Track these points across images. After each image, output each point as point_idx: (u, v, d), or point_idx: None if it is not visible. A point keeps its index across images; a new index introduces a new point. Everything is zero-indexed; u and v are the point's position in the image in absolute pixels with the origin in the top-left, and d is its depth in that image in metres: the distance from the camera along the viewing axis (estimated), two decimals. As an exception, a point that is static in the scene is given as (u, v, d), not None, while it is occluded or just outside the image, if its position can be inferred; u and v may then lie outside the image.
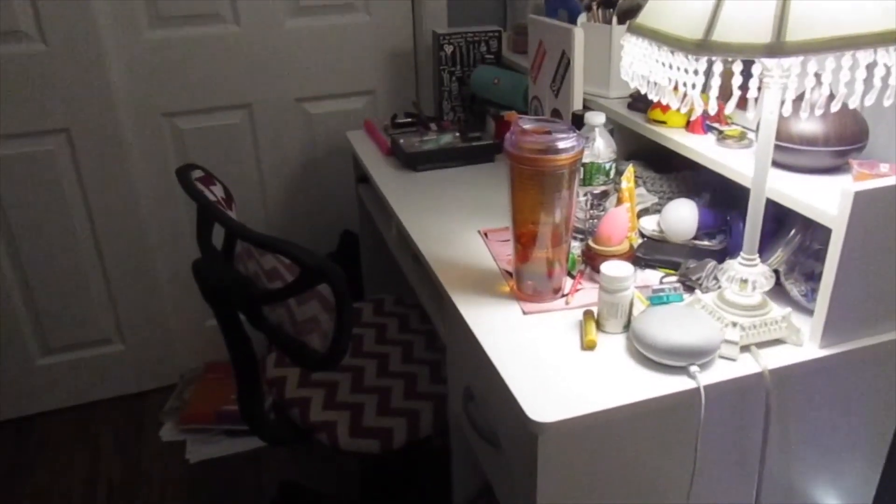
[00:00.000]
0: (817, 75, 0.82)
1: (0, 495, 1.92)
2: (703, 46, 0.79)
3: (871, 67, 0.80)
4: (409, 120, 1.91)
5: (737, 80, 0.81)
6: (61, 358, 2.18)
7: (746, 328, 1.00)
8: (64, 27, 1.84)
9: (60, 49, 1.86)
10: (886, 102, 0.82)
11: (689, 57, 0.81)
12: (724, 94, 0.84)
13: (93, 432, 2.14)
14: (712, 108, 0.84)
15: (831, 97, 0.83)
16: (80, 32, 1.86)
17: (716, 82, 0.83)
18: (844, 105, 0.83)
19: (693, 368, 0.96)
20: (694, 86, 0.83)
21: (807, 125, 1.08)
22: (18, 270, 2.04)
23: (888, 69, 0.79)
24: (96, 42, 1.88)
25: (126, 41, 1.92)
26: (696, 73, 0.82)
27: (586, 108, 1.50)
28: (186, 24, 1.96)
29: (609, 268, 1.04)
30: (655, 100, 0.91)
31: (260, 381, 1.38)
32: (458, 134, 1.78)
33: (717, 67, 0.82)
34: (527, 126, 1.07)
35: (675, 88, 0.86)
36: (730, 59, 0.79)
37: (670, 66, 0.85)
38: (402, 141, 1.74)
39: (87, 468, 2.00)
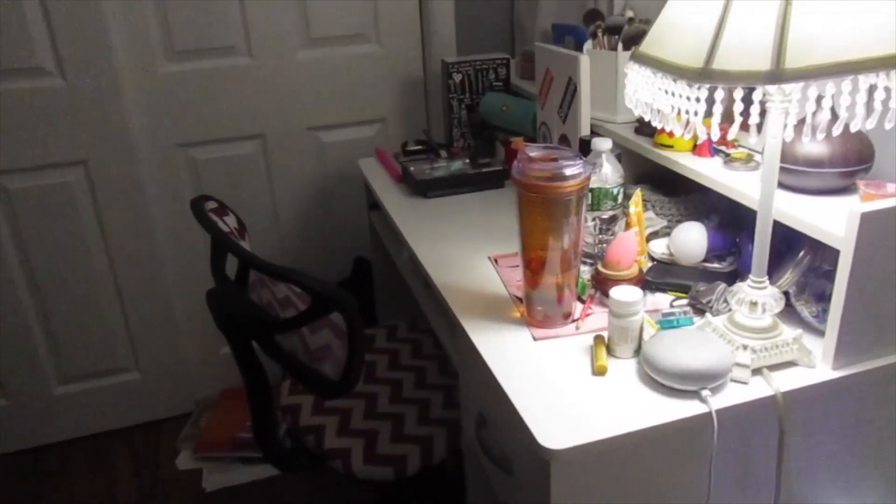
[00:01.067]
0: (819, 99, 0.82)
1: (19, 525, 1.93)
2: (704, 74, 0.80)
3: (872, 90, 0.80)
4: (420, 147, 1.93)
5: (738, 107, 0.82)
6: (78, 387, 2.20)
7: (758, 351, 1.00)
8: (82, 63, 1.89)
9: (78, 84, 1.90)
10: (888, 125, 0.83)
11: (691, 85, 0.82)
12: (727, 119, 0.85)
13: (110, 461, 2.15)
14: (715, 135, 0.85)
15: (833, 120, 0.84)
16: (98, 67, 1.90)
17: (717, 108, 0.84)
18: (846, 127, 0.84)
19: (705, 393, 0.96)
20: (696, 113, 0.84)
21: (812, 147, 1.09)
22: (37, 300, 2.07)
23: (888, 92, 0.80)
24: (113, 76, 1.92)
25: (142, 75, 1.97)
26: (697, 100, 0.83)
27: (594, 133, 1.52)
28: (201, 57, 2.01)
29: (618, 292, 1.05)
30: (659, 127, 0.92)
31: (274, 409, 1.39)
32: (467, 160, 1.80)
33: (719, 94, 0.83)
34: (533, 153, 1.08)
35: (678, 115, 0.87)
36: (731, 87, 0.81)
37: (673, 94, 0.86)
38: (412, 168, 1.76)
39: (105, 497, 2.01)
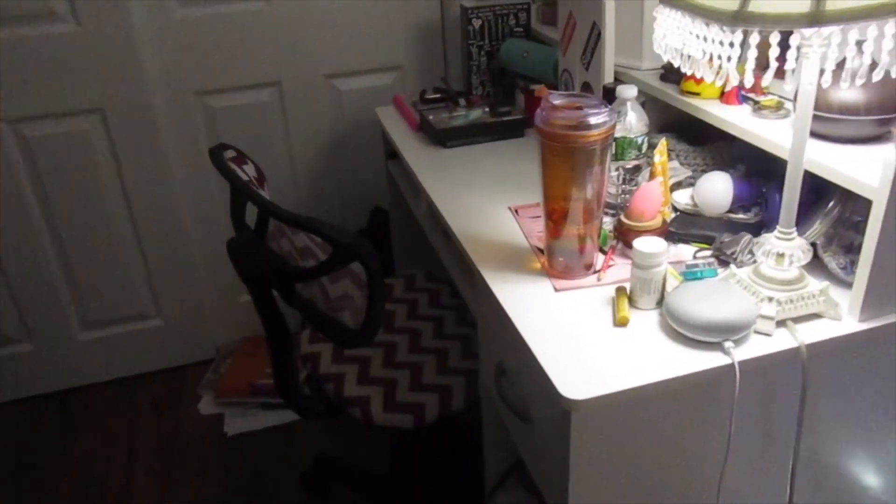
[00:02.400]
0: (858, 43, 0.79)
1: (44, 463, 1.99)
2: (739, 17, 0.77)
3: (915, 35, 0.77)
4: (438, 95, 1.90)
5: (774, 52, 0.79)
6: (102, 333, 2.24)
7: (783, 303, 0.99)
8: (96, 7, 1.86)
9: (93, 29, 1.88)
10: (931, 71, 0.80)
11: (725, 29, 0.79)
12: (761, 66, 0.82)
13: (133, 405, 2.20)
14: (748, 81, 0.82)
15: (873, 65, 0.81)
16: (112, 12, 1.87)
17: (752, 53, 0.81)
18: (887, 73, 0.81)
19: (727, 344, 0.95)
20: (729, 58, 0.81)
21: (847, 94, 1.05)
22: (58, 248, 2.09)
23: (934, 36, 0.77)
24: (128, 22, 1.89)
25: (157, 20, 1.93)
26: (731, 45, 0.80)
27: (618, 80, 1.48)
28: (216, 1, 1.97)
29: (642, 243, 1.03)
30: (689, 73, 0.89)
31: (294, 357, 1.40)
32: (487, 109, 1.77)
33: (754, 38, 0.80)
34: (557, 102, 1.06)
35: (710, 61, 0.84)
36: (767, 30, 0.77)
37: (705, 39, 0.83)
38: (431, 117, 1.74)
39: (128, 440, 2.07)
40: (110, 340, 2.26)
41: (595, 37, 1.45)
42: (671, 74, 1.42)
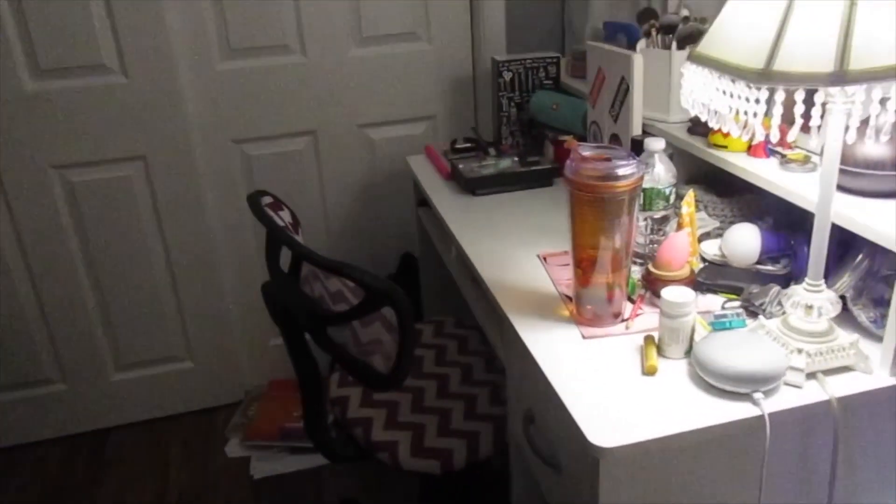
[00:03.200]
0: (883, 101, 0.81)
1: (75, 503, 2.01)
2: (765, 75, 0.80)
3: (939, 93, 0.79)
4: (469, 145, 1.94)
5: (799, 109, 0.81)
6: (134, 374, 2.28)
7: (812, 355, 0.99)
8: (143, 61, 1.95)
9: (139, 81, 1.97)
10: (955, 128, 0.81)
11: (751, 86, 0.82)
12: (787, 121, 0.85)
13: (163, 446, 2.22)
14: (774, 136, 0.84)
15: (898, 123, 0.83)
16: (158, 65, 1.96)
17: (777, 109, 0.83)
18: (912, 130, 0.82)
19: (757, 395, 0.95)
20: (755, 114, 0.84)
21: (873, 149, 1.07)
22: (97, 290, 2.15)
23: (956, 95, 0.78)
24: (172, 74, 1.98)
25: (200, 72, 2.02)
26: (757, 101, 0.82)
27: (646, 132, 1.51)
28: (256, 55, 2.05)
29: (670, 292, 1.05)
30: (716, 127, 0.92)
31: (324, 400, 1.42)
32: (516, 158, 1.80)
33: (779, 95, 0.83)
34: (586, 153, 1.09)
35: (736, 116, 0.86)
36: (792, 88, 0.80)
37: (731, 95, 0.85)
38: (461, 165, 1.78)
39: (157, 481, 2.08)
40: (142, 382, 2.30)
41: (623, 90, 1.49)
42: (698, 127, 1.45)
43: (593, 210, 1.08)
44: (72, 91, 1.93)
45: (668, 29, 1.53)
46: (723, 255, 1.29)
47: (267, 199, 1.38)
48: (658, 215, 1.29)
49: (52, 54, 1.89)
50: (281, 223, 1.34)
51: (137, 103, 1.99)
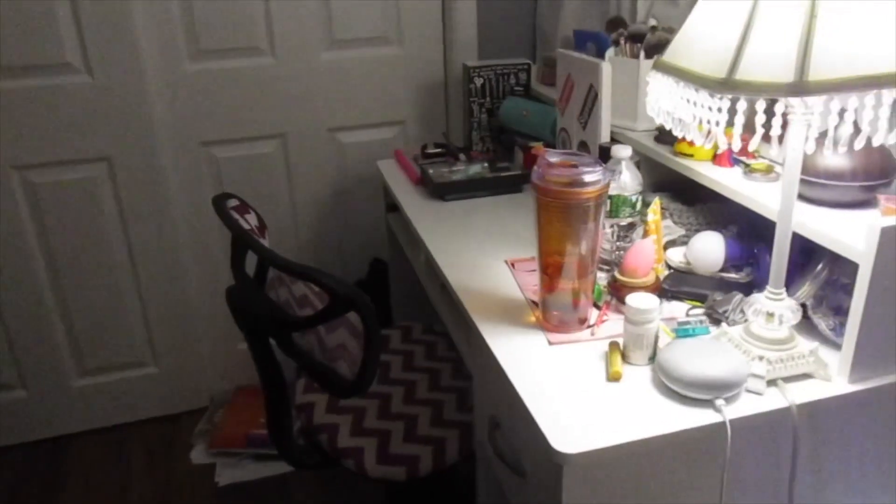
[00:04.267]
0: (841, 112, 0.83)
1: (35, 514, 1.96)
2: (726, 85, 0.80)
3: (895, 104, 0.80)
4: (439, 150, 1.94)
5: (760, 118, 0.82)
6: (97, 380, 2.23)
7: (773, 362, 1.00)
8: (109, 60, 1.92)
9: (105, 81, 1.93)
10: (911, 140, 0.83)
11: (713, 95, 0.83)
12: (748, 131, 0.86)
13: (125, 453, 2.18)
14: (736, 145, 0.86)
15: (856, 133, 0.84)
16: (125, 65, 1.93)
17: (739, 119, 0.84)
18: (869, 141, 0.84)
19: (719, 402, 0.96)
20: (718, 123, 0.84)
21: (833, 160, 1.08)
22: (58, 294, 2.10)
23: (912, 107, 0.80)
24: (139, 74, 1.95)
25: (167, 73, 1.99)
26: (719, 110, 0.83)
27: (614, 140, 1.52)
28: (225, 56, 2.03)
29: (635, 299, 1.05)
30: (680, 136, 0.93)
31: (289, 407, 1.40)
32: (486, 164, 1.81)
33: (741, 105, 0.84)
34: (553, 159, 1.09)
35: (700, 125, 0.87)
36: (753, 98, 0.81)
37: (694, 104, 0.86)
38: (431, 171, 1.77)
39: (119, 488, 2.04)
40: (105, 387, 2.25)
41: (592, 98, 1.50)
42: (665, 136, 1.46)
43: (560, 216, 1.08)
44: (35, 90, 1.89)
45: (636, 38, 1.55)
46: (688, 263, 1.30)
47: (233, 202, 1.36)
48: (624, 222, 1.30)
49: (15, 52, 1.85)
50: (247, 226, 1.32)
51: (102, 103, 1.95)
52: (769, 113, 0.83)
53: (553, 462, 0.93)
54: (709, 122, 0.85)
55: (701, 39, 0.87)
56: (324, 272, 1.10)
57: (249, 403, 2.27)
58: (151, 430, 2.28)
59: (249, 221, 1.36)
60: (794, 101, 0.86)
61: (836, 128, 0.82)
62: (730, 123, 0.85)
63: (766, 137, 0.85)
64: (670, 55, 0.92)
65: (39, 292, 2.08)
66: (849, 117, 0.81)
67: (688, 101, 0.88)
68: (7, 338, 2.10)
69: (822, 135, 0.88)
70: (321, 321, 1.16)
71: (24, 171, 1.96)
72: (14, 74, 1.87)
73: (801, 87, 0.77)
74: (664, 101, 0.94)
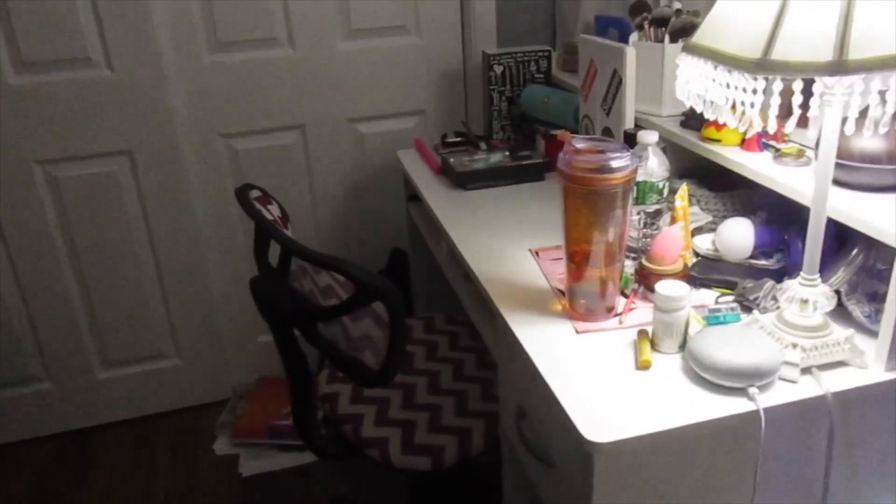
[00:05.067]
0: (881, 92, 0.80)
1: (62, 502, 1.98)
2: (762, 65, 0.78)
3: (937, 84, 0.78)
4: (460, 139, 1.93)
5: (797, 99, 0.80)
6: (121, 372, 2.25)
7: (807, 350, 0.98)
8: (129, 54, 1.92)
9: (125, 75, 1.94)
10: (954, 119, 0.80)
11: (748, 76, 0.81)
12: (784, 113, 0.84)
13: (150, 444, 2.20)
14: (771, 127, 0.83)
15: None
16: (144, 59, 1.93)
17: (775, 100, 0.82)
18: (909, 122, 0.82)
19: (752, 390, 0.94)
20: (752, 105, 0.82)
21: (869, 142, 1.06)
22: (82, 287, 2.12)
23: (955, 86, 0.78)
24: (159, 67, 1.95)
25: (187, 66, 1.99)
26: (754, 91, 0.81)
27: (638, 126, 1.50)
28: (244, 48, 2.03)
29: (664, 286, 1.04)
30: (712, 118, 0.91)
31: (314, 397, 1.40)
32: (507, 153, 1.79)
33: (777, 86, 0.81)
34: (580, 145, 1.07)
35: (733, 107, 0.85)
36: (790, 78, 0.79)
37: (728, 86, 0.84)
38: (452, 160, 1.76)
39: (144, 479, 2.06)
40: (129, 379, 2.27)
41: (616, 84, 1.48)
42: (692, 121, 1.44)
43: (586, 203, 1.06)
44: (56, 85, 1.90)
45: (660, 22, 1.52)
46: (716, 250, 1.28)
47: (255, 193, 1.36)
48: (651, 209, 1.28)
49: (36, 47, 1.85)
50: (270, 217, 1.32)
51: (123, 97, 1.96)
52: (806, 94, 0.81)
53: (583, 451, 0.92)
54: (743, 103, 0.83)
55: (734, 19, 0.85)
56: (349, 262, 1.10)
57: (271, 394, 2.27)
58: (175, 422, 2.29)
59: (272, 212, 1.36)
60: (832, 82, 0.84)
61: (875, 108, 0.80)
62: (764, 106, 0.83)
63: (802, 120, 0.83)
64: (701, 37, 0.90)
65: (64, 285, 2.09)
66: (889, 97, 0.79)
67: (720, 83, 0.86)
68: (33, 330, 2.12)
69: (859, 116, 0.86)
70: (347, 311, 1.16)
71: (47, 166, 1.98)
72: (35, 70, 1.88)
73: (840, 66, 0.74)
74: (695, 83, 0.92)
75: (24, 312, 2.09)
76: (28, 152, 1.94)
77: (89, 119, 1.96)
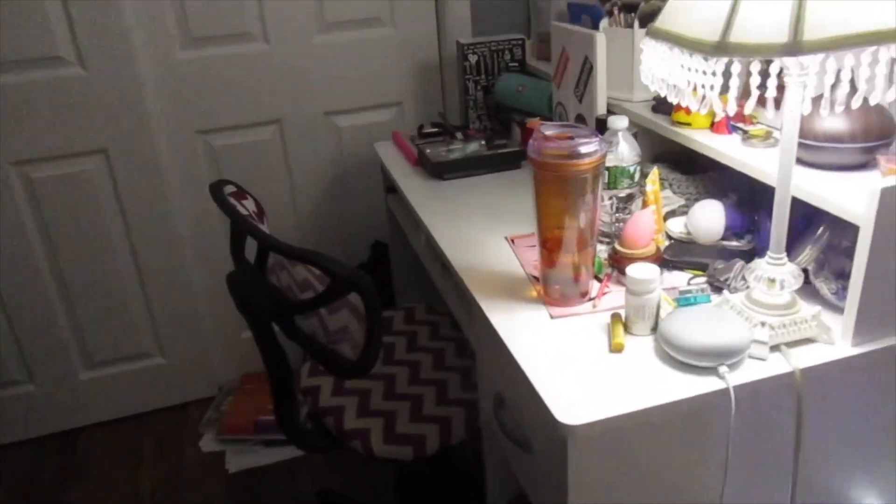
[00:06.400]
0: (837, 72, 0.82)
1: (48, 506, 1.98)
2: (720, 48, 0.79)
3: (893, 62, 0.79)
4: (436, 130, 1.93)
5: (755, 81, 0.81)
6: (104, 372, 2.24)
7: (776, 327, 1.00)
8: (101, 52, 1.91)
9: (98, 72, 1.92)
10: (909, 97, 0.82)
11: (707, 59, 0.82)
12: (744, 95, 0.85)
13: (135, 444, 2.19)
14: (731, 109, 0.85)
15: (852, 93, 0.83)
16: (117, 56, 1.92)
17: (734, 82, 0.83)
18: (867, 101, 0.83)
19: (722, 369, 0.96)
20: (712, 87, 0.84)
21: (831, 122, 1.07)
22: (61, 288, 2.11)
23: (909, 64, 0.79)
24: (132, 65, 1.94)
25: (160, 63, 1.98)
26: (713, 74, 0.82)
27: (610, 112, 1.51)
28: (217, 43, 2.02)
29: (635, 270, 1.05)
30: (675, 102, 0.92)
31: (295, 391, 1.41)
32: (483, 142, 1.79)
33: (735, 68, 0.83)
34: (549, 132, 1.08)
35: (694, 90, 0.86)
36: (747, 60, 0.80)
37: (688, 69, 0.85)
38: (428, 150, 1.77)
39: (130, 479, 2.06)
40: (112, 380, 2.26)
41: (587, 70, 1.49)
42: (662, 106, 1.45)
43: (557, 189, 1.07)
44: (28, 84, 1.88)
45: (630, 8, 1.53)
46: (688, 233, 1.29)
47: (230, 189, 1.36)
48: (623, 194, 1.29)
49: (6, 46, 1.84)
50: (245, 212, 1.32)
51: (97, 96, 1.94)
52: (764, 75, 0.82)
53: (558, 435, 0.93)
54: (703, 86, 0.84)
55: (693, 4, 0.86)
56: (323, 254, 1.10)
57: (256, 390, 2.27)
58: (160, 421, 2.29)
59: (247, 207, 1.36)
60: (790, 62, 0.85)
61: (832, 88, 0.81)
62: (725, 88, 0.84)
63: (762, 100, 0.84)
64: (662, 21, 0.91)
65: (43, 287, 2.08)
66: (845, 76, 0.80)
67: (682, 66, 0.87)
68: (13, 333, 2.11)
69: (819, 97, 0.87)
70: (323, 303, 1.16)
71: (22, 167, 1.96)
72: (6, 69, 1.86)
73: (796, 47, 0.76)
74: (658, 68, 0.93)
75: (2, 315, 2.08)
76: (2, 154, 1.93)
77: (63, 118, 1.94)
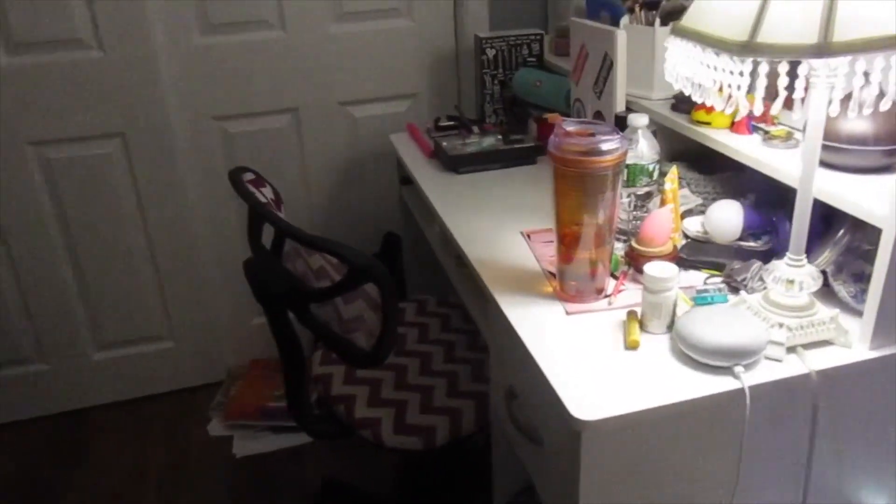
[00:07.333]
0: (866, 74, 0.81)
1: (54, 484, 1.99)
2: (748, 48, 0.79)
3: (921, 66, 0.79)
4: (452, 123, 1.93)
5: (783, 81, 0.81)
6: (115, 353, 2.26)
7: (793, 329, 1.00)
8: (120, 35, 1.91)
9: (116, 56, 1.93)
10: (937, 102, 0.81)
11: (734, 58, 0.81)
12: (770, 95, 0.85)
13: (144, 426, 2.21)
14: (758, 110, 0.84)
15: (881, 95, 0.83)
16: (136, 40, 1.93)
17: (761, 83, 0.83)
18: (894, 104, 0.82)
19: (738, 369, 0.96)
20: (739, 87, 0.83)
21: (855, 124, 1.07)
22: (76, 269, 2.12)
23: (939, 68, 0.79)
24: (150, 49, 1.94)
25: (178, 48, 1.98)
26: (741, 74, 0.82)
27: (629, 109, 1.51)
28: (235, 30, 2.02)
29: (652, 268, 1.05)
30: (700, 101, 0.92)
31: (307, 378, 1.42)
32: (500, 136, 1.79)
33: (763, 68, 0.82)
34: (570, 128, 1.08)
35: (720, 90, 0.86)
36: (776, 60, 0.80)
37: (715, 68, 0.85)
38: (444, 143, 1.77)
39: (138, 460, 2.07)
40: (123, 361, 2.27)
41: (607, 67, 1.48)
42: (682, 104, 1.45)
43: (577, 185, 1.07)
44: (48, 66, 1.89)
45: (651, 5, 1.52)
46: (705, 232, 1.29)
47: (248, 176, 1.37)
48: (641, 191, 1.29)
49: (27, 29, 1.84)
50: (263, 199, 1.32)
51: (114, 79, 1.95)
52: (792, 76, 0.81)
53: (571, 429, 0.93)
54: (730, 86, 0.84)
55: (721, 2, 0.85)
56: (342, 244, 1.11)
57: (265, 376, 2.29)
58: (169, 404, 2.31)
59: (265, 195, 1.36)
60: (818, 64, 0.85)
61: (860, 89, 0.81)
62: (751, 88, 0.84)
63: (788, 102, 0.84)
64: (689, 19, 0.91)
65: (57, 267, 2.09)
66: (874, 79, 0.80)
67: (708, 65, 0.87)
68: (27, 312, 2.12)
69: (845, 98, 0.87)
70: (339, 292, 1.17)
71: (40, 147, 1.97)
72: (27, 51, 1.87)
73: (825, 48, 0.75)
74: (683, 66, 0.92)
75: (18, 294, 2.10)
76: (21, 134, 1.94)
77: (82, 101, 1.95)
